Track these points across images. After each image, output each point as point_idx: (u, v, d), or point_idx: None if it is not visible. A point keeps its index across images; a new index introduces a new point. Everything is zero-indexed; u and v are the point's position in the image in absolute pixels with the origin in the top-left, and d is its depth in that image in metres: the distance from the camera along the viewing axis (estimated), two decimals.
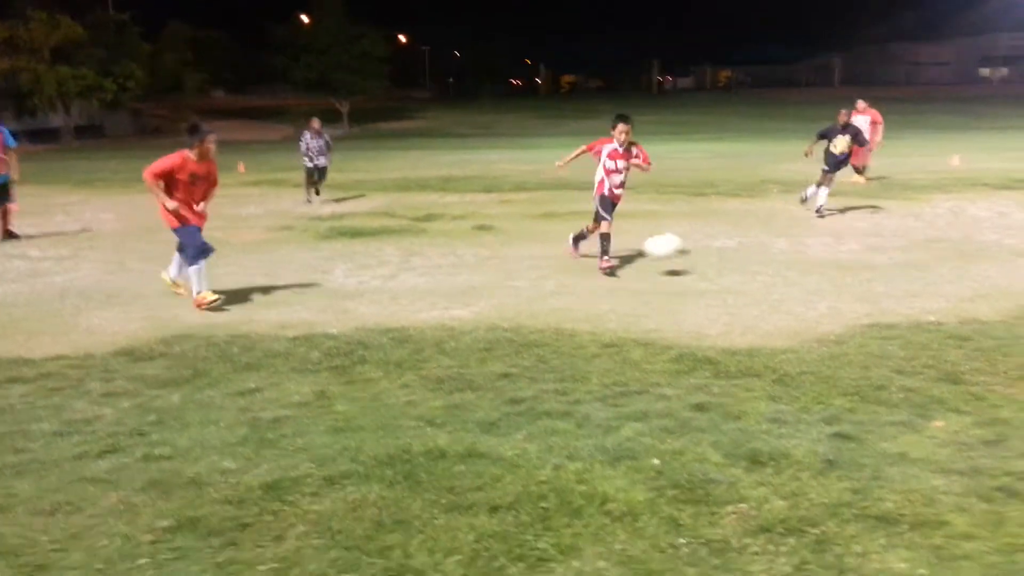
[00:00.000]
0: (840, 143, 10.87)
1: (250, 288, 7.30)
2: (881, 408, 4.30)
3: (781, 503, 3.32)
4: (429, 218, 11.60)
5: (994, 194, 12.73)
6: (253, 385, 4.76)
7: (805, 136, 27.58)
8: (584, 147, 8.17)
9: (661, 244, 7.72)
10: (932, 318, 5.95)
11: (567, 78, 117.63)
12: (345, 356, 5.27)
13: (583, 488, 3.42)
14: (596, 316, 6.19)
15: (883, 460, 3.69)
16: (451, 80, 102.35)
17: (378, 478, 3.54)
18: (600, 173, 7.99)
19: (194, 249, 6.63)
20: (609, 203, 7.96)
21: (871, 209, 11.56)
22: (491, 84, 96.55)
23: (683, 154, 21.54)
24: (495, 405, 4.41)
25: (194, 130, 6.73)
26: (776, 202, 12.42)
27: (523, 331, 5.77)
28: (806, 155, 11.24)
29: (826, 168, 10.85)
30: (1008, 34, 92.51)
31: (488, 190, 14.68)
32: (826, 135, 10.99)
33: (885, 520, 3.19)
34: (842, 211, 11.35)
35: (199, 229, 6.76)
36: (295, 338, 5.70)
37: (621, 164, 7.92)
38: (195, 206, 6.75)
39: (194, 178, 6.65)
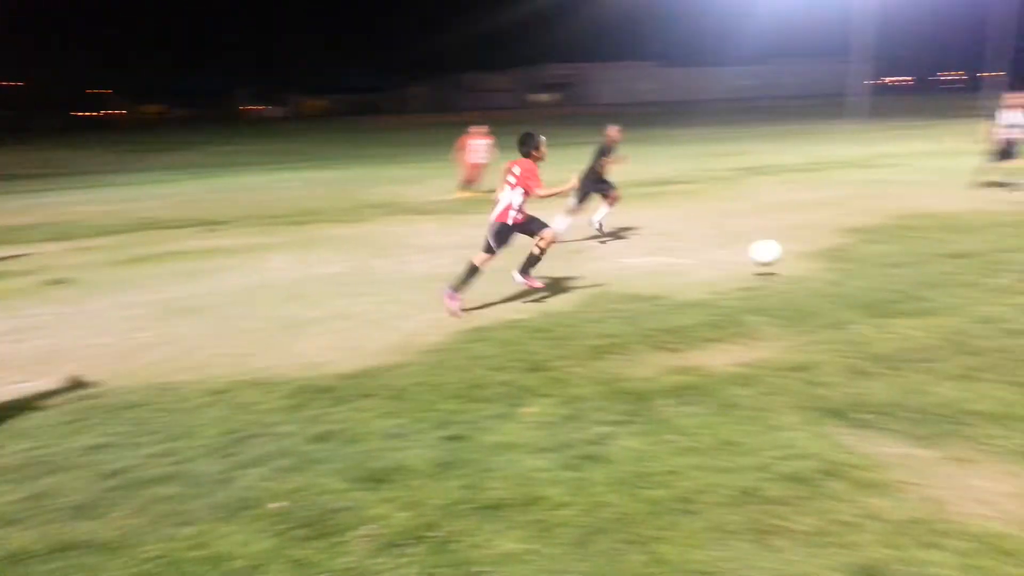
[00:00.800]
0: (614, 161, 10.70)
1: None
2: (483, 404, 4.71)
3: (404, 515, 3.46)
4: None
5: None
6: None
7: (395, 161, 28.91)
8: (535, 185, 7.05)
9: (768, 251, 7.79)
10: (518, 316, 6.70)
11: (153, 108, 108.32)
12: None
13: (199, 553, 3.18)
14: (201, 363, 5.80)
15: (489, 452, 4.05)
16: (4, 113, 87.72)
17: None
18: (516, 200, 7.10)
19: None
20: (508, 231, 7.16)
21: (459, 224, 12.63)
22: (57, 116, 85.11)
23: (283, 183, 21.27)
24: (88, 484, 3.88)
25: None
26: (377, 224, 12.91)
27: (116, 393, 5.17)
28: (621, 161, 10.75)
29: (598, 185, 10.55)
30: (556, 64, 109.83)
31: (61, 238, 12.86)
32: (605, 153, 10.60)
33: (495, 507, 3.51)
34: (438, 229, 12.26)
35: None
36: None
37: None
38: None
39: None
